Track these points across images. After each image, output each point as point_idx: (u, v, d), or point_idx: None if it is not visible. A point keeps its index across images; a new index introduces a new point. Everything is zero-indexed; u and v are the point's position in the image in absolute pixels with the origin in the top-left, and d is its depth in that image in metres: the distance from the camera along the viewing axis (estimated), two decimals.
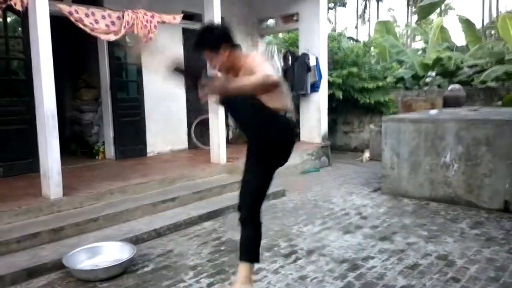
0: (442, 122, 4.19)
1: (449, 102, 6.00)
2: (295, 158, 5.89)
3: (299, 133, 6.70)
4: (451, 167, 4.12)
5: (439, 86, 7.85)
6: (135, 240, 3.17)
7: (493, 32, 13.52)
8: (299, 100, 6.67)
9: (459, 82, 7.26)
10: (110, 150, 5.58)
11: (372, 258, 2.88)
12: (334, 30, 18.62)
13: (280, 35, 9.47)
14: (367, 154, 6.89)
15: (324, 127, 6.50)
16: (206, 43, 1.96)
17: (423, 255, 2.90)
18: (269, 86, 1.71)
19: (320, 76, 6.33)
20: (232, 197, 3.90)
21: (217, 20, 4.79)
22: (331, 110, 7.00)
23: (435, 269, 2.67)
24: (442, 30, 9.87)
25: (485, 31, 16.07)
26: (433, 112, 4.98)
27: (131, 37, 5.08)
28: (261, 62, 1.83)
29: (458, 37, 20.81)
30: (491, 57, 7.91)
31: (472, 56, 8.46)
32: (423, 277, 2.56)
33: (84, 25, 3.78)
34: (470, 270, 2.64)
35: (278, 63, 6.41)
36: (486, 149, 3.91)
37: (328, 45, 6.79)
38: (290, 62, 6.47)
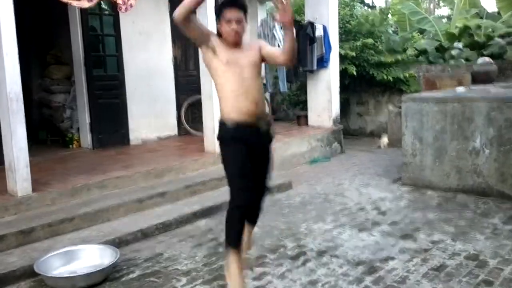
0: (470, 101, 4.17)
1: (479, 78, 5.98)
2: (302, 145, 5.86)
3: (306, 115, 6.66)
4: (481, 153, 4.11)
5: (467, 59, 7.78)
6: (118, 243, 3.17)
7: None
8: (306, 78, 6.62)
9: (490, 55, 7.19)
10: (86, 138, 5.55)
11: (392, 259, 2.89)
12: None
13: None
14: (385, 140, 6.88)
15: (336, 108, 6.46)
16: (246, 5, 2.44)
17: (450, 255, 2.91)
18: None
19: (329, 48, 6.24)
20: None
21: None
22: (343, 88, 6.94)
23: (464, 271, 2.68)
24: None
25: None
26: (460, 90, 4.97)
27: (107, 3, 4.95)
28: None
29: (489, 2, 20.72)
30: None
31: (505, 24, 8.37)
32: (450, 280, 2.58)
33: None
34: (504, 272, 2.65)
35: (280, 34, 6.30)
36: None
37: (338, 12, 6.68)
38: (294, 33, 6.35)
